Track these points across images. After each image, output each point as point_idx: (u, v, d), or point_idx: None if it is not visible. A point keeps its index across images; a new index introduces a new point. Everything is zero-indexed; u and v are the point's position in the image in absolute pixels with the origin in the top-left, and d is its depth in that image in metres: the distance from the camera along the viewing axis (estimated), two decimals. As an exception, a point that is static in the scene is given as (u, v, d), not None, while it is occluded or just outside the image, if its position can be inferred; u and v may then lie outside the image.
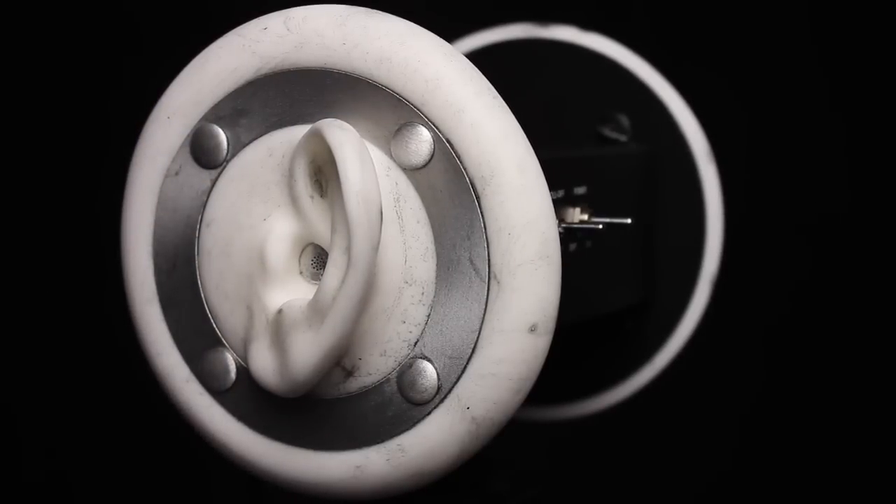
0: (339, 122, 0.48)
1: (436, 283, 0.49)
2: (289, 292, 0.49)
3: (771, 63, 0.69)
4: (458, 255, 0.49)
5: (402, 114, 0.49)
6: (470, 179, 0.48)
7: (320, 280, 0.48)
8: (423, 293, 0.49)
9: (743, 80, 0.69)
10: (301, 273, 0.50)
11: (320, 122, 0.48)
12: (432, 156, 0.49)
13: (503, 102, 0.49)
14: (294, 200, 0.50)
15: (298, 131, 0.50)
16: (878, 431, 0.69)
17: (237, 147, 0.51)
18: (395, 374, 0.49)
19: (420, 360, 0.49)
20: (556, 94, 0.71)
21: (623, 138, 0.70)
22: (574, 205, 0.59)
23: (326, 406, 0.50)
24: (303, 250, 0.50)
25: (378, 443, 0.50)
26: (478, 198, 0.48)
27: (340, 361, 0.50)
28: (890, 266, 0.68)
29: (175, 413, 0.54)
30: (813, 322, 0.69)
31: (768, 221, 0.69)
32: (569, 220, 0.59)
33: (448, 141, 0.49)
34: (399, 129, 0.49)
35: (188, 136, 0.52)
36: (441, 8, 0.73)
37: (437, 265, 0.49)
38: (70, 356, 0.82)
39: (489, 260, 0.48)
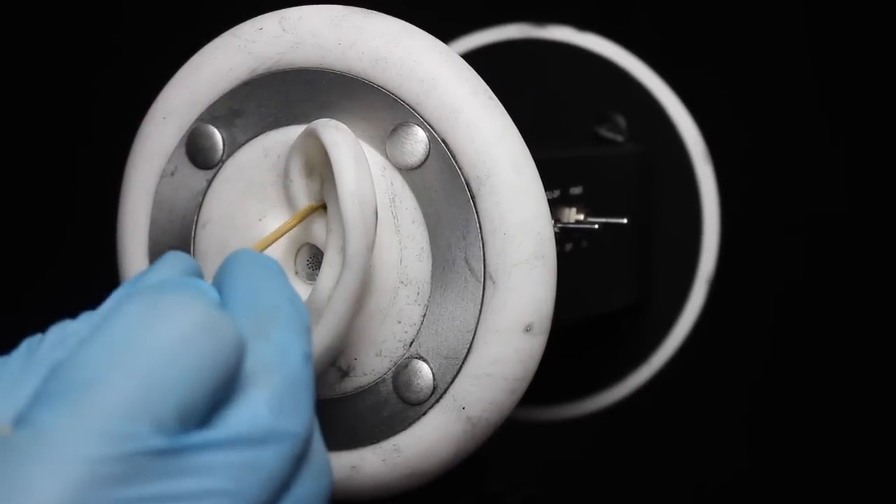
0: (334, 122, 0.48)
1: (431, 283, 0.49)
2: (284, 292, 0.49)
3: (767, 63, 0.69)
4: (454, 255, 0.49)
5: (398, 114, 0.49)
6: (465, 179, 0.48)
7: (316, 280, 0.48)
8: (418, 293, 0.49)
9: (739, 81, 0.69)
10: (297, 273, 0.50)
11: (315, 122, 0.48)
12: (428, 156, 0.49)
13: (499, 102, 0.49)
14: (290, 201, 0.50)
15: (294, 131, 0.50)
16: (875, 429, 0.69)
17: (233, 147, 0.51)
18: (390, 374, 0.49)
19: (415, 360, 0.49)
20: (553, 94, 0.71)
21: (619, 138, 0.70)
22: (570, 205, 0.59)
23: (322, 406, 0.50)
24: (298, 250, 0.50)
25: (374, 443, 0.50)
26: (473, 198, 0.48)
27: (336, 362, 0.50)
28: (886, 265, 0.68)
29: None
30: (809, 321, 0.69)
31: (764, 221, 0.69)
32: (565, 220, 0.59)
33: (444, 141, 0.49)
34: (394, 129, 0.49)
35: (184, 136, 0.52)
36: (437, 8, 0.73)
37: (432, 265, 0.49)
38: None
39: (485, 260, 0.48)
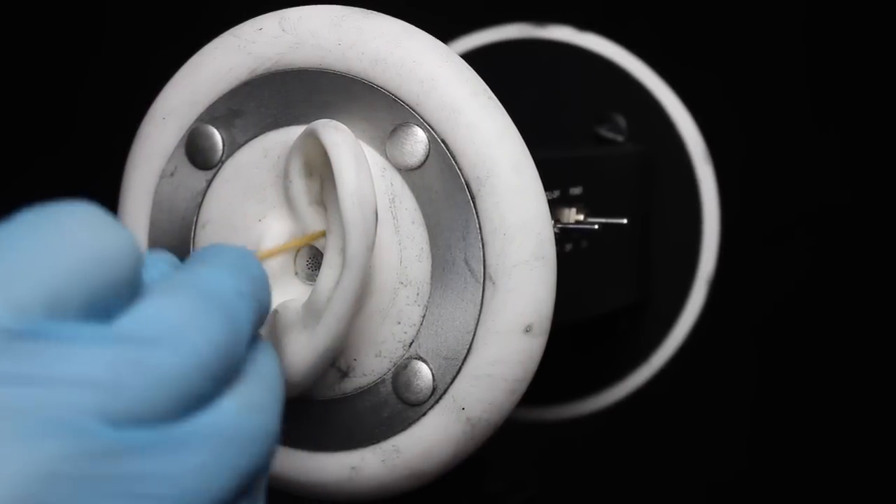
0: (334, 122, 0.48)
1: (431, 284, 0.49)
2: (284, 293, 0.49)
3: (767, 63, 0.69)
4: (454, 256, 0.49)
5: (398, 114, 0.49)
6: (465, 180, 0.48)
7: (315, 281, 0.48)
8: (418, 294, 0.49)
9: (740, 81, 0.69)
10: (296, 274, 0.50)
11: (315, 122, 0.48)
12: (428, 156, 0.49)
13: (498, 103, 0.49)
14: (289, 201, 0.50)
15: (293, 132, 0.50)
16: (875, 429, 0.69)
17: (232, 148, 0.51)
18: (390, 374, 0.49)
19: (415, 360, 0.49)
20: (553, 94, 0.71)
21: (619, 138, 0.70)
22: (570, 205, 0.59)
23: (322, 407, 0.50)
24: (298, 251, 0.50)
25: (373, 443, 0.50)
26: (473, 198, 0.48)
27: (336, 362, 0.50)
28: (886, 265, 0.68)
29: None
30: (808, 321, 0.69)
31: (764, 221, 0.69)
32: (564, 220, 0.59)
33: (443, 141, 0.49)
34: (394, 130, 0.49)
35: (183, 136, 0.52)
36: (437, 8, 0.73)
37: (432, 266, 0.49)
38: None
39: (484, 260, 0.48)
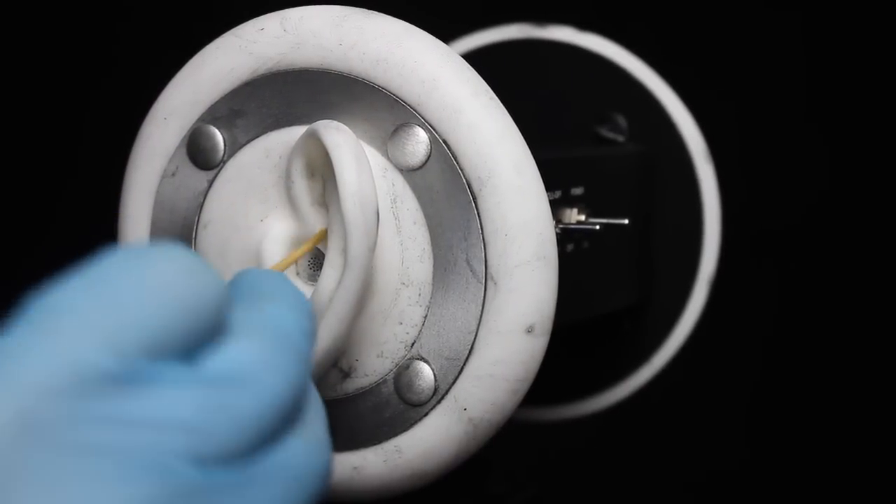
0: (335, 123, 0.48)
1: (432, 285, 0.49)
2: (285, 293, 0.49)
3: (767, 63, 0.69)
4: (455, 256, 0.49)
5: (399, 114, 0.49)
6: (467, 180, 0.48)
7: (317, 281, 0.48)
8: (419, 294, 0.49)
9: (740, 80, 0.69)
10: (298, 274, 0.50)
11: (317, 123, 0.48)
12: (429, 156, 0.49)
13: (500, 103, 0.49)
14: (291, 202, 0.50)
15: (295, 132, 0.50)
16: (875, 429, 0.69)
17: (234, 148, 0.51)
18: (392, 375, 0.49)
19: (417, 361, 0.49)
20: (553, 94, 0.71)
21: (620, 139, 0.70)
22: (571, 205, 0.59)
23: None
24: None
25: (375, 444, 0.50)
26: (475, 198, 0.48)
27: (337, 363, 0.50)
28: (886, 265, 0.68)
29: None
30: (810, 322, 0.69)
31: (765, 221, 0.69)
32: (566, 220, 0.59)
33: (445, 142, 0.49)
34: (396, 130, 0.49)
35: (185, 136, 0.52)
36: (438, 8, 0.73)
37: (433, 266, 0.49)
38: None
39: (486, 261, 0.48)
